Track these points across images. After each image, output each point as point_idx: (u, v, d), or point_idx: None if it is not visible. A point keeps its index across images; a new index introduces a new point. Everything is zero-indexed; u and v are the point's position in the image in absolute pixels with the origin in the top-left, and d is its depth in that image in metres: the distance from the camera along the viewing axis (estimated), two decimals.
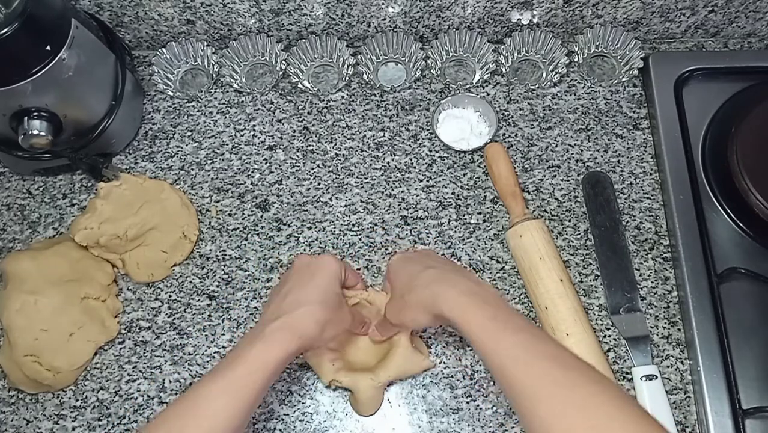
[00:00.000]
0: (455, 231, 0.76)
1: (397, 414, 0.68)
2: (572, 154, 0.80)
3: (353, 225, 0.77)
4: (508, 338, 0.51)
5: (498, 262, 0.74)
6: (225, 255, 0.75)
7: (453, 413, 0.68)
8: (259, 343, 0.54)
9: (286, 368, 0.67)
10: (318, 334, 0.57)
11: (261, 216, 0.77)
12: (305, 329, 0.56)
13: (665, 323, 0.71)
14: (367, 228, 0.76)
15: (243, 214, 0.77)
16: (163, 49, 0.83)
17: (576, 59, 0.83)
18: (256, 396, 0.53)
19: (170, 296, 0.74)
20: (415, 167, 0.79)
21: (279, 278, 0.74)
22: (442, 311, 0.55)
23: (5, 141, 0.71)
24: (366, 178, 0.79)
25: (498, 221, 0.76)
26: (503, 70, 0.83)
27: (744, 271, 0.70)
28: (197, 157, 0.80)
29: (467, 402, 0.68)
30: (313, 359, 0.66)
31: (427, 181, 0.78)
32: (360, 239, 0.76)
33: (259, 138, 0.81)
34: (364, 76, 0.82)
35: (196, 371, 0.70)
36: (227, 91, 0.84)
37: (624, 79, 0.83)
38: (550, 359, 0.49)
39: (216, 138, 0.81)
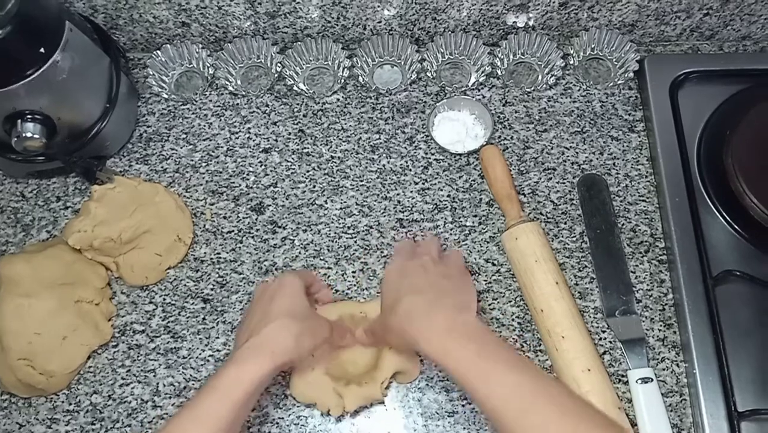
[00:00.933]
0: (451, 234, 0.76)
1: (392, 418, 0.68)
2: (568, 156, 0.80)
3: (348, 228, 0.76)
4: (498, 378, 0.49)
5: (494, 264, 0.74)
6: (220, 258, 0.75)
7: (449, 416, 0.68)
8: (231, 367, 0.53)
9: (280, 373, 0.67)
10: (293, 345, 0.56)
11: (256, 219, 0.77)
12: (277, 344, 0.55)
13: (661, 325, 0.71)
14: (363, 231, 0.76)
15: (238, 217, 0.77)
16: (158, 51, 0.83)
17: (571, 62, 0.83)
18: (233, 420, 0.52)
19: (164, 300, 0.73)
20: (410, 170, 0.79)
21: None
22: (424, 350, 0.54)
23: None
24: (361, 181, 0.79)
25: (494, 223, 0.76)
26: (499, 72, 0.83)
27: (739, 273, 0.70)
28: (192, 160, 0.80)
29: (463, 405, 0.68)
30: (315, 391, 0.66)
31: (423, 183, 0.78)
32: (355, 242, 0.76)
33: (254, 141, 0.81)
34: (360, 78, 0.82)
35: (191, 375, 0.70)
36: (222, 94, 0.83)
37: (619, 82, 0.83)
38: (546, 402, 0.47)
39: (211, 141, 0.81)
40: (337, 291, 0.73)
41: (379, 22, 0.82)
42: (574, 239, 0.75)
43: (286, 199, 0.78)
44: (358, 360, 0.67)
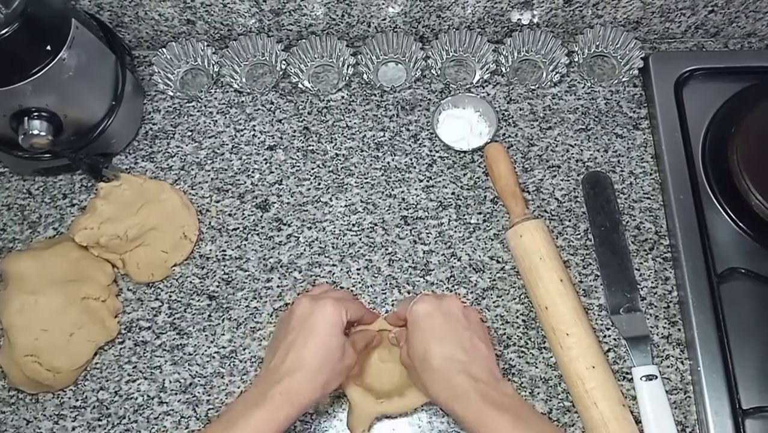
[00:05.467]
0: (455, 231, 0.76)
1: (396, 415, 0.68)
2: (572, 154, 0.80)
3: (353, 225, 0.77)
4: None
5: (498, 262, 0.74)
6: (225, 255, 0.75)
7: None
8: (261, 410, 0.54)
9: None
10: (319, 396, 0.57)
11: (261, 216, 0.77)
12: (305, 396, 0.56)
13: (665, 323, 0.71)
14: (367, 228, 0.76)
15: (243, 214, 0.77)
16: (164, 49, 0.83)
17: (576, 59, 0.83)
18: None
19: (170, 296, 0.74)
20: (415, 167, 0.79)
21: (279, 278, 0.74)
22: (455, 412, 0.56)
23: (5, 141, 0.71)
24: (366, 178, 0.79)
25: (498, 220, 0.76)
26: (503, 70, 0.83)
27: (744, 271, 0.70)
28: (197, 158, 0.80)
29: None
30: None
31: (427, 181, 0.78)
32: (360, 239, 0.76)
33: (259, 138, 0.81)
34: (365, 76, 0.82)
35: (196, 371, 0.70)
36: (227, 91, 0.84)
37: (624, 79, 0.83)
38: None
39: (216, 138, 0.81)
40: (342, 288, 0.73)
41: (384, 19, 0.82)
42: (579, 236, 0.75)
43: (291, 196, 0.78)
44: (384, 378, 0.68)
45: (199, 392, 0.69)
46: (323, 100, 0.83)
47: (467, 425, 0.56)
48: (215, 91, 0.84)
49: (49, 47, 0.65)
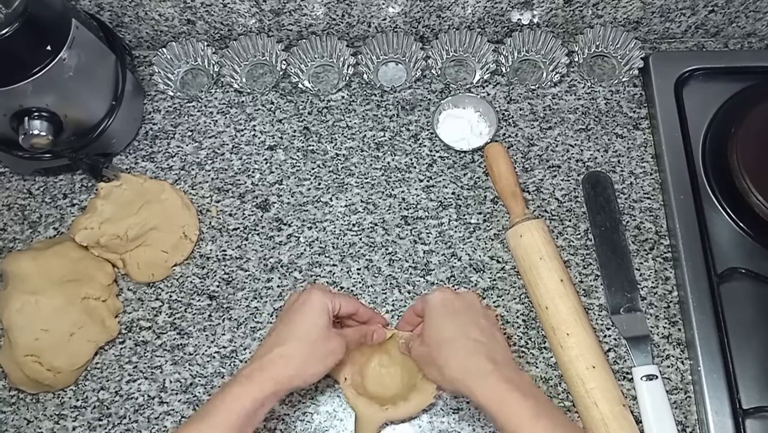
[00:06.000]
0: (455, 231, 0.76)
1: None
2: (572, 154, 0.80)
3: (353, 225, 0.77)
4: None
5: (498, 262, 0.74)
6: (225, 255, 0.75)
7: (453, 412, 0.68)
8: (233, 387, 0.55)
9: None
10: (295, 372, 0.57)
11: (261, 216, 0.77)
12: (278, 370, 0.56)
13: (665, 322, 0.71)
14: (368, 228, 0.76)
15: (243, 214, 0.77)
16: (164, 49, 0.83)
17: (576, 59, 0.83)
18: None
19: (170, 296, 0.74)
20: (415, 167, 0.79)
21: (279, 278, 0.74)
22: (475, 395, 0.54)
23: (6, 141, 0.71)
24: (366, 178, 0.79)
25: (498, 220, 0.76)
26: (503, 70, 0.83)
27: (744, 271, 0.70)
28: (197, 157, 0.80)
29: (467, 402, 0.68)
30: (333, 370, 0.66)
31: (428, 181, 0.79)
32: (360, 239, 0.76)
33: (259, 138, 0.81)
34: (365, 76, 0.82)
35: (197, 371, 0.70)
36: (227, 91, 0.84)
37: (624, 79, 0.83)
38: None
39: (216, 138, 0.81)
40: (342, 288, 0.73)
41: (384, 19, 0.82)
42: (579, 236, 0.75)
43: (291, 196, 0.78)
44: (386, 384, 0.68)
45: (199, 392, 0.69)
46: (323, 100, 0.83)
47: (485, 407, 0.54)
48: (215, 91, 0.84)
49: (49, 47, 0.65)
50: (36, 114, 0.67)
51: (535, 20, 0.83)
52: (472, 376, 0.56)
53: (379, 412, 0.65)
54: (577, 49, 0.83)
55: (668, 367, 0.69)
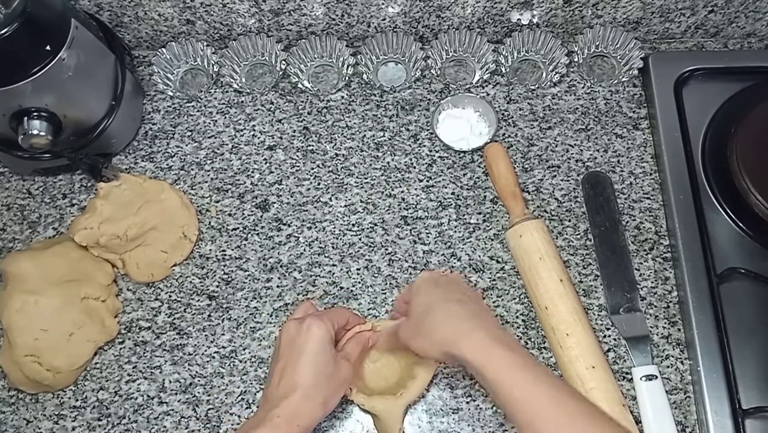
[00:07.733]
0: (455, 231, 0.76)
1: None
2: (572, 154, 0.80)
3: (353, 225, 0.77)
4: (540, 394, 0.51)
5: (498, 262, 0.74)
6: (225, 255, 0.75)
7: (453, 412, 0.68)
8: (260, 431, 0.54)
9: None
10: (321, 414, 0.57)
11: (261, 216, 0.77)
12: (304, 417, 0.56)
13: (665, 323, 0.71)
14: (367, 228, 0.76)
15: (243, 214, 0.77)
16: (163, 49, 0.83)
17: (576, 59, 0.83)
18: None
19: (170, 296, 0.74)
20: (414, 167, 0.79)
21: (279, 278, 0.74)
22: (462, 352, 0.54)
23: (5, 141, 0.71)
24: (366, 178, 0.79)
25: (498, 220, 0.76)
26: (503, 70, 0.83)
27: (744, 271, 0.70)
28: (197, 157, 0.80)
29: (467, 402, 0.68)
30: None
31: (427, 181, 0.79)
32: (360, 239, 0.76)
33: (258, 138, 0.81)
34: (364, 76, 0.82)
35: (196, 371, 0.70)
36: (227, 91, 0.84)
37: (624, 79, 0.83)
38: (586, 420, 0.50)
39: (216, 138, 0.81)
40: (341, 288, 0.73)
41: (384, 19, 0.82)
42: (579, 236, 0.75)
43: (291, 196, 0.78)
44: (381, 378, 0.67)
45: (199, 392, 0.69)
46: (323, 100, 0.83)
47: (474, 367, 0.54)
48: (215, 91, 0.84)
49: (48, 47, 0.65)
50: (35, 114, 0.67)
51: (535, 20, 0.83)
52: (459, 333, 0.56)
53: (397, 401, 0.65)
54: (576, 49, 0.83)
55: (668, 367, 0.69)
